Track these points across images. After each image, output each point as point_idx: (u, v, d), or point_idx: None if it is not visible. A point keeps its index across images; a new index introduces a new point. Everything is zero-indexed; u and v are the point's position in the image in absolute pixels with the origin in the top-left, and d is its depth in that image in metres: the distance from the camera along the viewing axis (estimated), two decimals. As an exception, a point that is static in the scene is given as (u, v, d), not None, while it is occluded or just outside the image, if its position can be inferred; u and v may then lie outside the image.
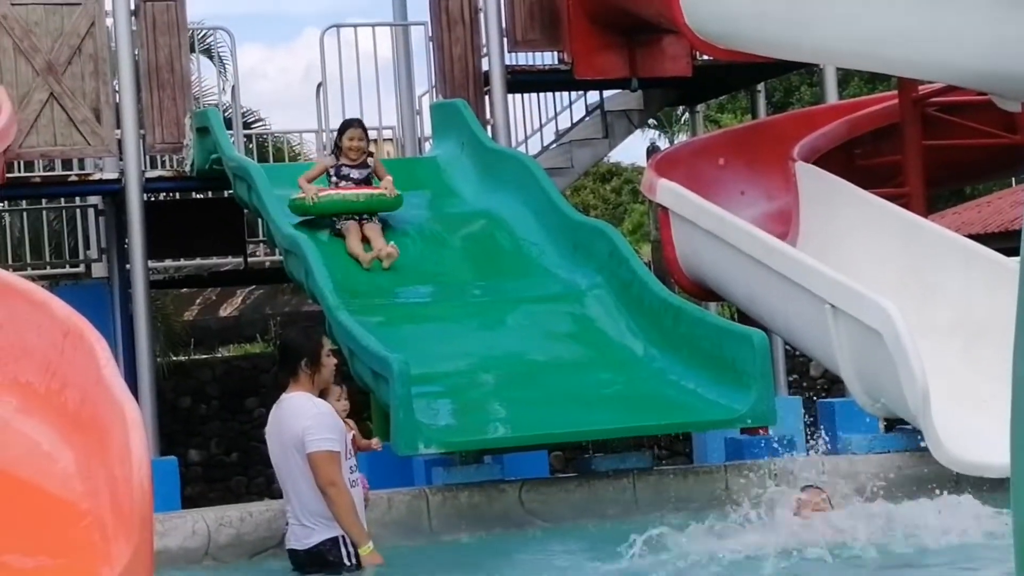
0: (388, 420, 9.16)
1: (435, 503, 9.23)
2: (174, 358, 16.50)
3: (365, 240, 11.40)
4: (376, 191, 11.68)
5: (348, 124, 12.13)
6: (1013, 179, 23.96)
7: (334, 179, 11.78)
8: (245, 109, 19.41)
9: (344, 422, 8.48)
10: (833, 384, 14.11)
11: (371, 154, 12.08)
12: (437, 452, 9.23)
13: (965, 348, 10.57)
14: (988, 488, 9.07)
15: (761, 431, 10.53)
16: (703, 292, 12.22)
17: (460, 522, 9.17)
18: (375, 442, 9.23)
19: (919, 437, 9.68)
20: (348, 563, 8.01)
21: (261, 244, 16.91)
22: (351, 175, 11.81)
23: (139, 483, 7.52)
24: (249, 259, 16.54)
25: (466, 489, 9.33)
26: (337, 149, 11.98)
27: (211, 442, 15.11)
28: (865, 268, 11.15)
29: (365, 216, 11.57)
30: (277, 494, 8.69)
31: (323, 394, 8.36)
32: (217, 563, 8.58)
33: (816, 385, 15.03)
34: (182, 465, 10.68)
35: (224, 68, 17.59)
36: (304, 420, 8.04)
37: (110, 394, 7.93)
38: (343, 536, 8.04)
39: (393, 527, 8.92)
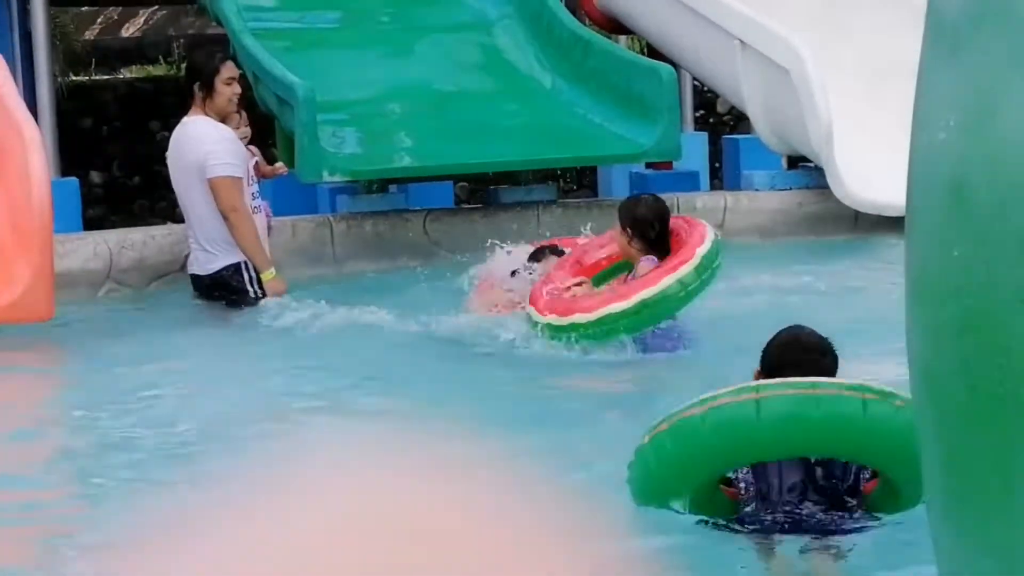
0: (292, 147, 9.10)
1: (339, 231, 9.25)
2: (74, 78, 16.21)
3: None
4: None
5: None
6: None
7: None
8: None
9: (247, 149, 8.40)
10: (739, 121, 14.15)
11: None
12: (342, 180, 9.21)
13: (871, 88, 10.61)
14: (886, 227, 9.21)
15: (666, 166, 10.57)
16: (613, 25, 12.11)
17: (364, 251, 9.20)
18: (279, 167, 9.15)
19: (821, 175, 9.78)
20: (251, 288, 8.02)
21: (164, -37, 16.51)
22: None
23: (39, 203, 7.48)
24: (152, -22, 16.12)
25: (371, 218, 9.34)
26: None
27: (113, 164, 14.96)
28: (775, 4, 11.08)
29: None
30: (180, 219, 8.66)
31: (225, 121, 8.26)
32: (119, 286, 8.58)
33: (722, 121, 15.06)
34: (83, 187, 10.56)
35: None
36: (206, 145, 7.96)
37: (8, 114, 7.83)
38: (246, 262, 8.04)
39: (297, 255, 8.94)
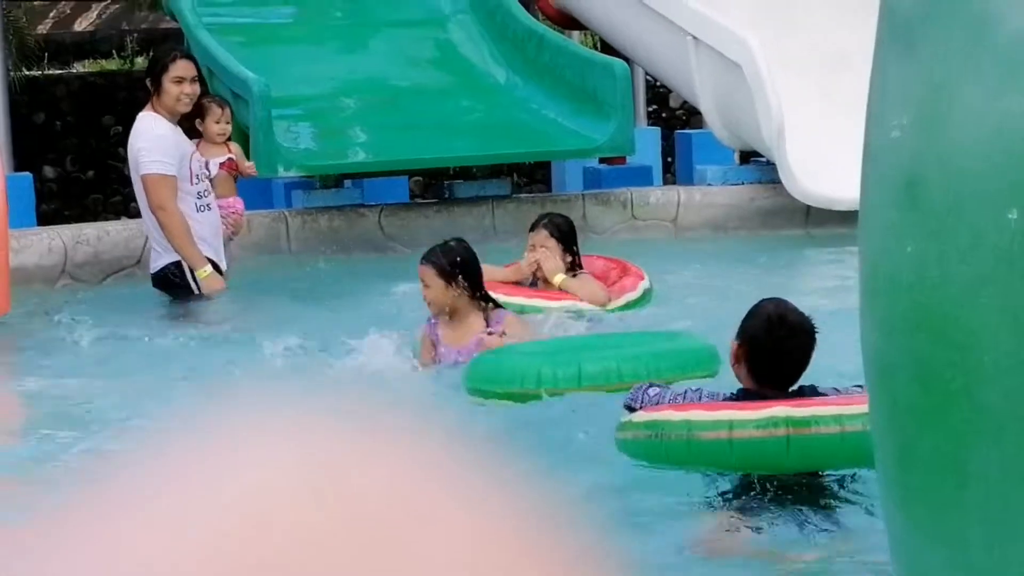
0: (247, 142, 9.09)
1: (294, 226, 9.26)
2: (27, 73, 16.15)
3: None
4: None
5: None
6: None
7: None
8: None
9: (224, 145, 8.39)
10: (692, 115, 14.21)
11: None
12: (297, 175, 9.23)
13: (822, 83, 10.68)
14: (837, 221, 9.28)
15: (619, 161, 10.62)
16: (567, 20, 12.14)
17: (319, 246, 9.21)
18: (250, 166, 9.06)
19: (773, 169, 9.85)
20: (193, 286, 7.96)
21: (116, -43, 16.44)
22: None
23: (-6, 200, 7.47)
24: (104, -28, 16.04)
25: (326, 213, 9.35)
26: None
27: (67, 159, 14.91)
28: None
29: None
30: (134, 213, 8.66)
31: (200, 114, 8.25)
32: (74, 281, 8.56)
33: (675, 116, 15.12)
34: (37, 182, 10.53)
35: None
36: (141, 141, 7.90)
37: (-37, 109, 7.82)
38: None
39: (252, 249, 8.94)
